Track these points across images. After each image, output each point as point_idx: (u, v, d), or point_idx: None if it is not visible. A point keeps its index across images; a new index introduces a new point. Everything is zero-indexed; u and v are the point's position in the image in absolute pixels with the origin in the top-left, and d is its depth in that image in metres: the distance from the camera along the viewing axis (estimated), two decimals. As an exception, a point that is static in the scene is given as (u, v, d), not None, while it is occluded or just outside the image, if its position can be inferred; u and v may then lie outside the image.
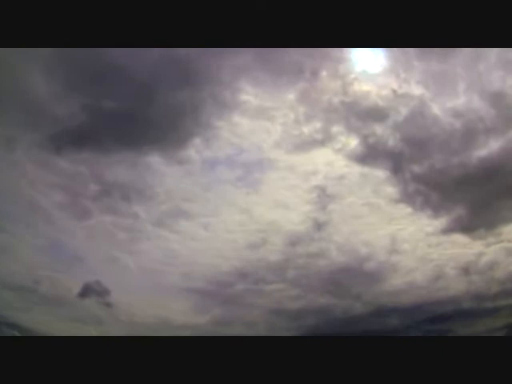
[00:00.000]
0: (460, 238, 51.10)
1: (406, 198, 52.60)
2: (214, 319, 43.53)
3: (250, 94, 48.63)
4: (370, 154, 52.50)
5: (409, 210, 52.56)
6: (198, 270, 47.42)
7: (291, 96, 49.68)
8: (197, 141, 49.23)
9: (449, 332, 41.84)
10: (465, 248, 51.56)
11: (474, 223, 51.06)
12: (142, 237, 47.91)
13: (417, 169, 51.91)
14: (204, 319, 43.58)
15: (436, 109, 49.40)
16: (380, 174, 52.54)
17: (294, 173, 53.14)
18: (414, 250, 51.42)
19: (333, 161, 52.91)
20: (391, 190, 52.87)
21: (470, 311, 44.35)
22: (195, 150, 48.86)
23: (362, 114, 50.77)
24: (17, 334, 32.00)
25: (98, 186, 46.55)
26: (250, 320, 44.23)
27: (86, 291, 40.81)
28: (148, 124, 47.23)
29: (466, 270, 48.88)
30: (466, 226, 50.92)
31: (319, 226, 52.41)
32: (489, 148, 48.36)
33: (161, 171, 49.60)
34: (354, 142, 51.79)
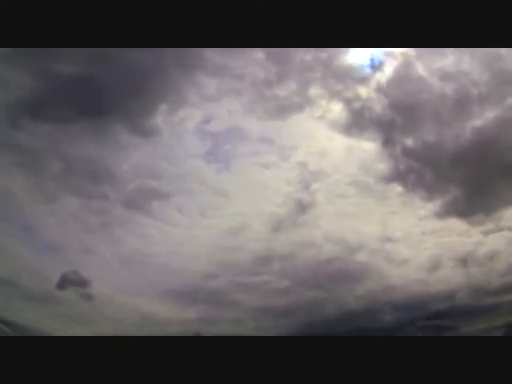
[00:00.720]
0: (456, 223, 47.05)
1: (397, 175, 48.14)
2: (198, 315, 41.10)
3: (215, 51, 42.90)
4: (355, 123, 48.02)
5: (400, 189, 48.44)
6: (176, 262, 44.48)
7: (260, 53, 44.59)
8: (163, 107, 45.48)
9: (446, 329, 40.20)
10: (462, 236, 47.90)
11: (471, 206, 46.93)
12: (113, 221, 44.19)
13: (408, 142, 47.44)
14: (188, 315, 41.00)
15: (422, 70, 45.28)
16: (367, 147, 48.31)
17: (270, 146, 48.79)
18: (408, 237, 47.75)
19: (314, 132, 48.56)
20: (380, 167, 48.62)
21: (468, 307, 41.92)
22: (162, 119, 45.06)
23: (340, 73, 46.34)
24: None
25: (60, 162, 42.65)
26: (236, 317, 41.72)
27: (65, 283, 38.70)
28: (109, 90, 43.24)
29: (463, 261, 45.78)
30: (463, 210, 47.01)
31: (303, 208, 48.04)
32: (484, 118, 44.55)
33: (126, 144, 44.95)
34: (336, 108, 47.47)
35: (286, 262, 45.21)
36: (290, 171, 48.75)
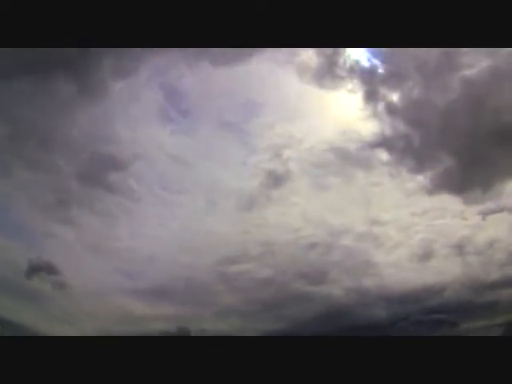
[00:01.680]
0: (450, 202, 42.54)
1: (382, 140, 42.55)
2: (179, 310, 38.21)
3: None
4: (329, 68, 41.68)
5: (385, 157, 43.56)
6: (144, 247, 40.89)
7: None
8: (107, 63, 39.18)
9: (441, 326, 37.92)
10: (457, 218, 43.70)
11: (466, 180, 41.54)
12: (70, 199, 39.92)
13: (393, 98, 42.54)
14: (166, 311, 38.27)
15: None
16: (346, 99, 42.43)
17: (229, 101, 43.12)
18: (396, 219, 43.70)
19: (279, 81, 42.36)
20: (362, 129, 43.18)
21: (465, 302, 38.92)
22: (109, 73, 39.32)
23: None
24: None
25: (4, 127, 36.97)
26: (219, 311, 39.00)
27: (33, 271, 35.67)
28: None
29: (459, 249, 42.18)
30: (457, 185, 41.99)
31: (275, 180, 43.15)
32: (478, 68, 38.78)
33: (71, 104, 39.45)
34: (305, 52, 41.02)
35: (263, 249, 41.86)
36: (255, 135, 43.04)
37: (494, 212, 42.10)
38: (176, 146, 42.71)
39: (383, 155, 43.18)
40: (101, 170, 40.25)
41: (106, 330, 33.82)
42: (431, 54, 39.52)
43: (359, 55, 41.52)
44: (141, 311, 37.14)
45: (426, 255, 41.74)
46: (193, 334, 35.52)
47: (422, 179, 42.48)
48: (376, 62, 41.84)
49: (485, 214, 42.56)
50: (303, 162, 43.71)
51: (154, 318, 36.98)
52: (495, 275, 39.07)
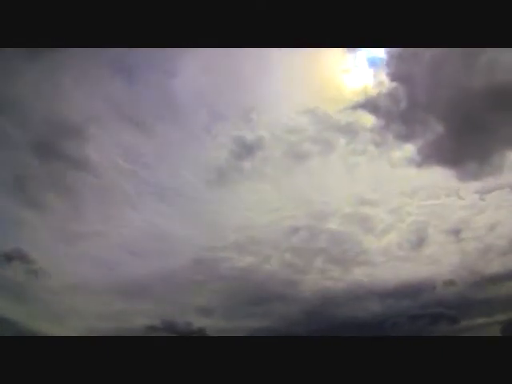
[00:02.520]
0: (443, 178, 38.47)
1: (365, 99, 37.70)
2: (158, 305, 35.24)
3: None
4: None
5: (369, 120, 39.00)
6: (117, 232, 38.03)
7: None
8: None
9: (440, 321, 35.14)
10: (452, 197, 39.70)
11: (460, 151, 37.16)
12: (29, 175, 36.30)
13: (377, 50, 38.01)
14: (145, 306, 35.37)
15: None
16: (322, 52, 36.44)
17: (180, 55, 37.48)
18: (385, 198, 39.98)
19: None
20: (341, 86, 38.42)
21: (463, 294, 36.02)
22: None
23: None
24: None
25: None
26: (202, 305, 35.99)
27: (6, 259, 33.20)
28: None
29: (456, 234, 38.60)
30: (450, 156, 37.57)
31: (247, 149, 38.80)
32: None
33: (22, 67, 35.02)
34: None
35: (240, 233, 38.62)
36: (220, 94, 38.49)
37: (492, 190, 38.03)
38: (130, 104, 38.82)
39: (366, 119, 38.98)
40: (55, 139, 36.72)
41: (88, 325, 32.32)
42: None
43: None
44: (121, 306, 34.82)
45: (420, 241, 38.64)
46: (179, 328, 33.93)
47: (410, 148, 38.50)
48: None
49: (483, 193, 38.58)
50: (276, 128, 39.54)
51: (137, 312, 34.68)
52: (496, 266, 35.79)
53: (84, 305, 33.39)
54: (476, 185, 37.95)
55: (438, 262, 37.18)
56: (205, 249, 37.71)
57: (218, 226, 38.52)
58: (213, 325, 34.33)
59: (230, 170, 39.04)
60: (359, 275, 37.65)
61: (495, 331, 30.71)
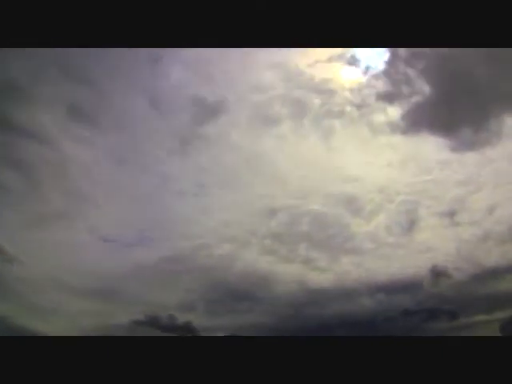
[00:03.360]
0: (433, 147, 34.84)
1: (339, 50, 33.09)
2: (136, 300, 32.67)
3: None
4: None
5: (345, 73, 34.88)
6: (83, 217, 34.75)
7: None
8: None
9: (434, 317, 32.94)
10: (444, 171, 35.95)
11: (452, 115, 33.20)
12: None
13: None
14: (126, 297, 33.05)
15: None
16: None
17: None
18: (369, 173, 36.56)
19: None
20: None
21: (460, 288, 33.30)
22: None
23: None
24: None
25: None
26: (182, 300, 33.34)
27: None
28: None
29: (450, 217, 35.62)
30: (441, 121, 33.57)
31: (210, 111, 34.39)
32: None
33: None
34: None
35: (211, 215, 35.72)
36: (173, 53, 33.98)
37: (490, 162, 34.46)
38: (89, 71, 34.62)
39: (343, 71, 34.97)
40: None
41: (70, 324, 30.36)
42: None
43: None
44: (98, 300, 32.26)
45: (411, 225, 35.67)
46: (163, 321, 32.09)
47: (394, 112, 34.82)
48: None
49: (479, 166, 35.05)
50: (241, 91, 35.69)
51: (118, 307, 32.34)
52: (495, 256, 33.03)
53: (61, 299, 31.23)
54: (471, 156, 34.63)
55: (432, 250, 34.53)
56: (180, 235, 35.31)
57: (184, 207, 36.19)
58: (196, 319, 32.40)
59: (191, 138, 35.36)
60: (347, 264, 35.15)
61: (494, 330, 29.35)
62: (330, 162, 36.40)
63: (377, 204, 36.08)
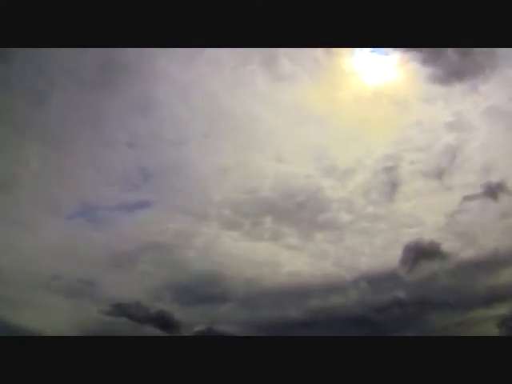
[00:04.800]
0: (412, 74, 29.64)
1: None
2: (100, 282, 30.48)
3: None
4: None
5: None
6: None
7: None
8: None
9: (429, 311, 29.14)
10: (428, 109, 30.96)
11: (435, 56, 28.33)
12: None
13: None
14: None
15: None
16: None
17: None
18: (334, 108, 31.66)
19: None
20: None
21: (455, 274, 29.14)
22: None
23: None
24: None
25: None
26: (146, 287, 30.51)
27: None
28: None
29: (438, 177, 31.44)
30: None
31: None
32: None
33: None
34: None
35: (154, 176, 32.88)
36: None
37: (484, 98, 28.61)
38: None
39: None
40: None
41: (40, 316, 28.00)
42: None
43: None
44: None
45: (392, 189, 31.29)
46: (132, 311, 29.47)
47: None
48: None
49: (474, 105, 29.59)
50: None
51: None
52: (495, 234, 29.14)
53: (26, 288, 28.74)
54: (460, 90, 29.41)
55: (420, 225, 30.76)
56: (128, 207, 32.52)
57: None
58: (167, 307, 29.53)
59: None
60: (323, 242, 31.55)
61: (492, 327, 26.83)
62: (278, 92, 32.17)
63: (350, 160, 32.49)
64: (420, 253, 28.57)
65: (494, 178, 28.36)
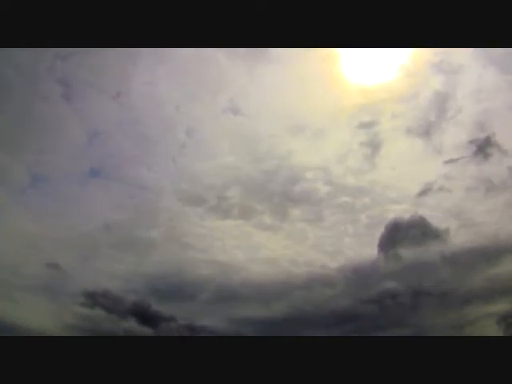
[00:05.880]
0: None
1: None
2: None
3: None
4: None
5: None
6: None
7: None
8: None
9: (423, 305, 26.13)
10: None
11: None
12: None
13: None
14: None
15: None
16: None
17: None
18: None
19: None
20: None
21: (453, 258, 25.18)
22: None
23: None
24: None
25: None
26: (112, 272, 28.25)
27: None
28: None
29: (426, 134, 26.43)
30: None
31: None
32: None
33: None
34: None
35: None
36: None
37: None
38: None
39: None
40: None
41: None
42: None
43: None
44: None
45: (375, 149, 26.16)
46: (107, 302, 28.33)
47: None
48: None
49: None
50: None
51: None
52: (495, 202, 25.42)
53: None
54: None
55: (407, 199, 26.64)
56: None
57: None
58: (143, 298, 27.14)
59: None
60: (300, 221, 27.59)
61: (491, 324, 24.97)
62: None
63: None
64: (405, 232, 25.24)
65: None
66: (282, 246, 27.40)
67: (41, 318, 24.65)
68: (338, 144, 28.14)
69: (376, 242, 24.75)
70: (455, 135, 26.76)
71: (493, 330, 22.45)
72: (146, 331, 25.04)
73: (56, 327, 24.51)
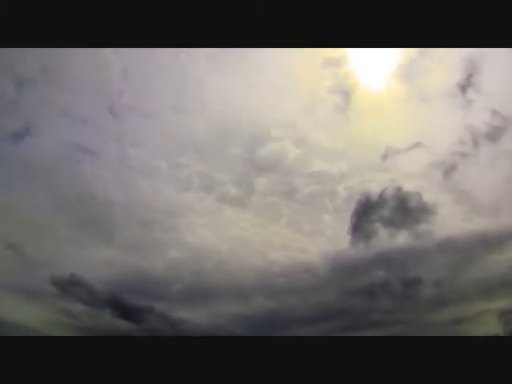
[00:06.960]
0: None
1: None
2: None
3: None
4: None
5: None
6: None
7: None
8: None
9: (419, 301, 22.82)
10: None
11: None
12: None
13: None
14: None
15: None
16: None
17: None
18: None
19: None
20: None
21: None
22: None
23: None
24: None
25: None
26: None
27: None
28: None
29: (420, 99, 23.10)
30: None
31: None
32: None
33: None
34: None
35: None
36: None
37: None
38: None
39: None
40: None
41: None
42: None
43: None
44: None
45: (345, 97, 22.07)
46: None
47: None
48: None
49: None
50: None
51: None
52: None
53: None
54: None
55: (392, 168, 21.32)
56: None
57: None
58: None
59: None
60: (273, 194, 22.22)
61: (492, 321, 23.00)
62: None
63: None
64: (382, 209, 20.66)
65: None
66: (252, 224, 23.97)
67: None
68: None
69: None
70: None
71: (493, 327, 20.59)
72: (124, 324, 23.30)
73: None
